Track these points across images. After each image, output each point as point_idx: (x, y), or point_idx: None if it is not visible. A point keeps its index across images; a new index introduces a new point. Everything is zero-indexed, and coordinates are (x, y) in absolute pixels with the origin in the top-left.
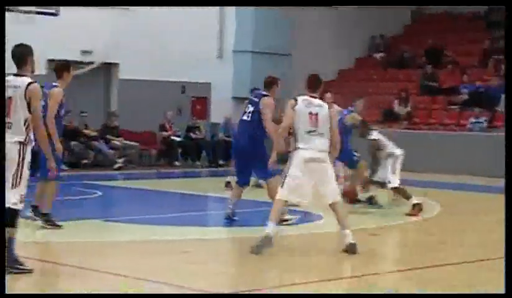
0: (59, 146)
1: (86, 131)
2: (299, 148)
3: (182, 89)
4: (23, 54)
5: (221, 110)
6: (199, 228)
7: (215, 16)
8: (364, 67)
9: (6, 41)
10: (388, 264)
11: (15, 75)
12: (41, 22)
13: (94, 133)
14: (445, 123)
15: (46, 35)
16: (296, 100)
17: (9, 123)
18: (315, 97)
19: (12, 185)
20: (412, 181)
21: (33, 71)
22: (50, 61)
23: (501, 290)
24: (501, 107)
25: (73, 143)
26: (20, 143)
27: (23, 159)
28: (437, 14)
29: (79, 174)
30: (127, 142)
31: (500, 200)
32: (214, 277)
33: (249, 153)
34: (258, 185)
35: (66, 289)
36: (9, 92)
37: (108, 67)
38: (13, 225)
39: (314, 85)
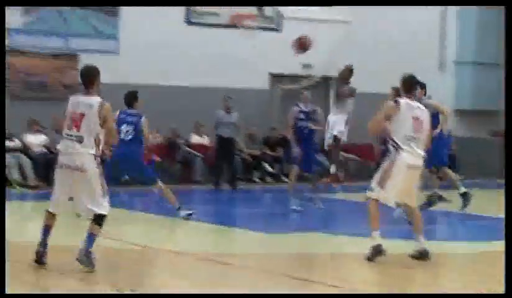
0: None
1: None
2: (401, 152)
3: None
4: (92, 76)
5: None
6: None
7: (435, 27)
8: None
9: (225, 53)
10: None
11: (84, 95)
12: (262, 36)
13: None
14: None
15: (267, 50)
16: (397, 103)
17: (79, 136)
18: (413, 100)
19: (103, 194)
20: None
21: (98, 92)
22: (272, 75)
23: None
24: None
25: None
26: (94, 156)
27: (101, 169)
28: None
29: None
30: (347, 155)
31: None
32: None
33: None
34: None
35: None
36: (81, 108)
37: (327, 81)
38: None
39: (412, 87)
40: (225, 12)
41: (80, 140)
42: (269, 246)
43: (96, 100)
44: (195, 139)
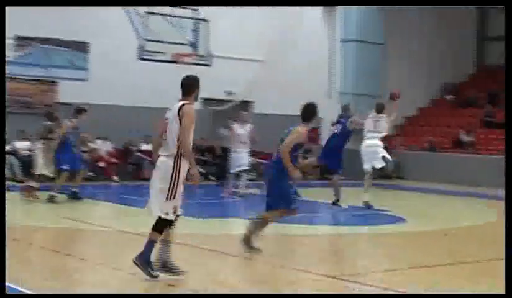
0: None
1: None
2: None
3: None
4: (189, 86)
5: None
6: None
7: (326, 67)
8: (438, 106)
9: (168, 83)
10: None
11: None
12: (198, 70)
13: None
14: (501, 149)
15: (201, 80)
16: None
17: (164, 140)
18: None
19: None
20: (477, 194)
21: (196, 100)
22: (204, 99)
23: None
24: None
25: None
26: (174, 156)
27: (178, 172)
28: (496, 66)
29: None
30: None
31: None
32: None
33: None
34: None
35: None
36: (166, 115)
37: (245, 104)
38: (161, 231)
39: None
40: (169, 51)
41: (165, 144)
42: (203, 228)
43: (179, 103)
44: (144, 146)
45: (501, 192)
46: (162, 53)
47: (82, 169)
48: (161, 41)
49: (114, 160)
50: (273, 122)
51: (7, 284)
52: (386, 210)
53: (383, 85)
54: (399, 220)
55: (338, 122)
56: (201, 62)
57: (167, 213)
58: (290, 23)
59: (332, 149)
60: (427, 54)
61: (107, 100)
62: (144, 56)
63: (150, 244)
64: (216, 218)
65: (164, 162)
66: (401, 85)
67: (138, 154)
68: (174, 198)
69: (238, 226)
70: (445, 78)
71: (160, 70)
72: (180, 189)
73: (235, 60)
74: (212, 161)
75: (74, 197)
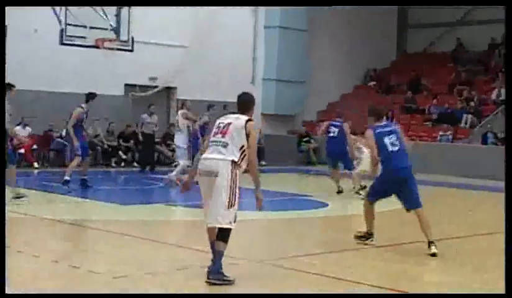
0: None
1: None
2: None
3: (223, 106)
4: (248, 102)
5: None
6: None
7: (250, 53)
8: (361, 92)
9: (90, 67)
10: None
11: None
12: (120, 55)
13: (158, 139)
14: (420, 135)
15: (124, 65)
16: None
17: (224, 142)
18: None
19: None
20: None
21: (250, 120)
22: (127, 85)
23: None
24: (462, 124)
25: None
26: (231, 162)
27: (236, 177)
28: (416, 53)
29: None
30: None
31: (460, 191)
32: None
33: None
34: None
35: None
36: (228, 119)
37: (168, 90)
38: (227, 241)
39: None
40: (91, 36)
41: (225, 146)
42: (124, 214)
43: (244, 117)
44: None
45: (421, 176)
46: (84, 37)
47: (89, 155)
48: (83, 26)
49: (34, 146)
50: (196, 109)
51: None
52: (309, 195)
53: (306, 72)
54: (322, 205)
55: (332, 125)
56: (124, 47)
57: (230, 223)
58: (213, 9)
59: (338, 151)
60: (350, 41)
61: (26, 86)
62: (65, 40)
63: (219, 256)
64: (141, 205)
65: (219, 166)
66: (325, 71)
67: (59, 140)
68: (234, 206)
69: (162, 212)
70: (368, 65)
71: (81, 55)
72: (238, 195)
73: (158, 46)
74: (136, 147)
75: (84, 184)
